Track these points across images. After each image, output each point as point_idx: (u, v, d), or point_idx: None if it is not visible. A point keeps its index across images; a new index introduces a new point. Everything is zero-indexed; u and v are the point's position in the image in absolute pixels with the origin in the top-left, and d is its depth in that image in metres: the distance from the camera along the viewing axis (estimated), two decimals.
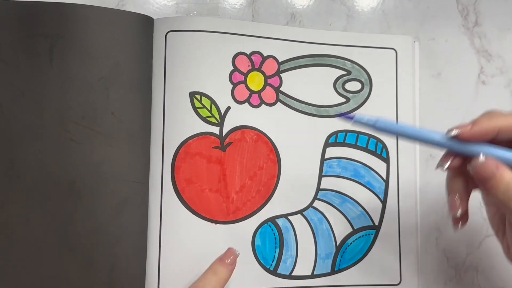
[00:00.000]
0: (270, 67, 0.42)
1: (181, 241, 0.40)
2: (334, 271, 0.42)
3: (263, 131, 0.42)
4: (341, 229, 0.43)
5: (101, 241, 0.38)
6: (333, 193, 0.43)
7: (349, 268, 0.42)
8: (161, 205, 0.40)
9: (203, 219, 0.40)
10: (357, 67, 0.44)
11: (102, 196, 0.38)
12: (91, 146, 0.38)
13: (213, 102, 0.41)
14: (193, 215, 0.40)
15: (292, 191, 0.42)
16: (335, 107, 0.43)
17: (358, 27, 0.45)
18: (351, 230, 0.43)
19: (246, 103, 0.42)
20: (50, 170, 0.37)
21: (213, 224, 0.40)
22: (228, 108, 0.41)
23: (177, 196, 0.40)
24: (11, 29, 0.38)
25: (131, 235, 0.39)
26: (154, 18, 0.41)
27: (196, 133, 0.41)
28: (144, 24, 0.40)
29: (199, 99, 0.41)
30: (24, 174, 0.37)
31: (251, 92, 0.42)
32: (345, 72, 0.44)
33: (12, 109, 0.37)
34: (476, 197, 0.45)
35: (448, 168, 0.34)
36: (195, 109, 0.41)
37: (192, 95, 0.41)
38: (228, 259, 0.39)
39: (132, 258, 0.39)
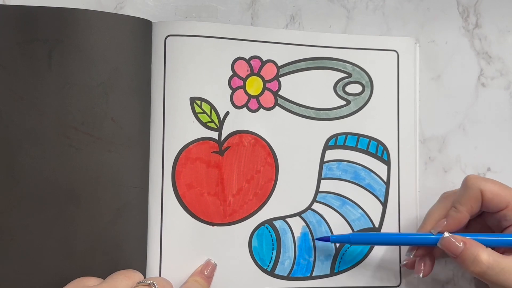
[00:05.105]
0: (269, 72, 0.42)
1: (182, 245, 0.40)
2: (333, 272, 0.42)
3: (261, 135, 0.42)
4: (341, 231, 0.43)
5: (101, 246, 0.38)
6: (333, 195, 0.43)
7: (349, 270, 0.43)
8: (162, 210, 0.40)
9: (201, 222, 0.41)
10: (358, 69, 0.44)
11: (102, 202, 0.38)
12: (91, 152, 0.38)
13: (212, 107, 0.41)
14: (193, 219, 0.40)
15: (290, 193, 0.42)
16: (335, 110, 0.43)
17: (358, 29, 0.45)
18: (351, 232, 0.43)
19: (245, 107, 0.42)
20: (49, 176, 0.37)
21: (210, 226, 0.41)
22: (227, 113, 0.41)
23: (178, 201, 0.40)
24: (9, 33, 0.37)
25: (131, 240, 0.39)
26: (152, 21, 0.41)
27: (197, 138, 0.41)
28: (143, 28, 0.40)
29: (200, 104, 0.41)
30: (24, 180, 0.37)
31: (250, 96, 0.42)
32: (345, 75, 0.43)
33: (11, 115, 0.37)
34: None
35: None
36: (195, 114, 0.41)
37: (193, 100, 0.41)
38: (207, 270, 0.40)
39: (132, 263, 0.39)
